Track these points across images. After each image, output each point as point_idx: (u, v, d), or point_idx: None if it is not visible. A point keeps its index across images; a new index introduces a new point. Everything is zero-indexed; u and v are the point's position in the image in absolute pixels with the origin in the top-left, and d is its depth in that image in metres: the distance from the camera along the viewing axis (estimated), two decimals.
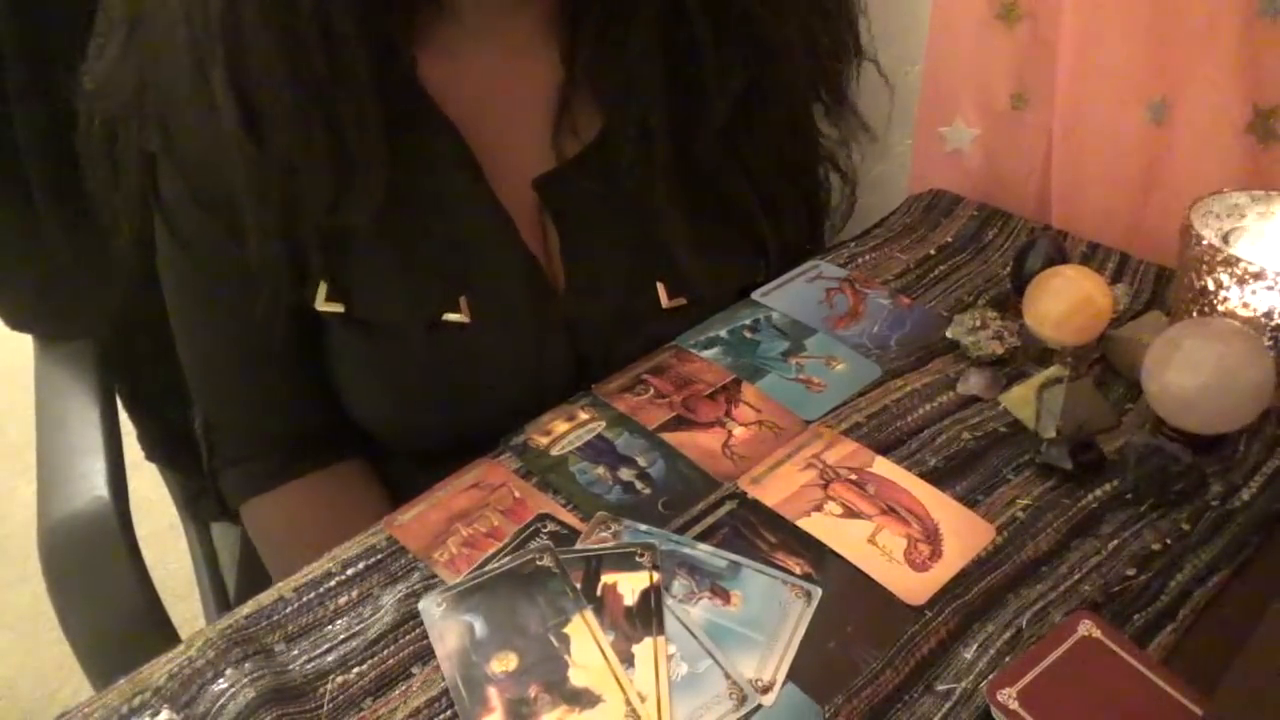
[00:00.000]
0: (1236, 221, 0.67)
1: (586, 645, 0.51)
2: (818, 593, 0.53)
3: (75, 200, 0.73)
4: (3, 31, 0.73)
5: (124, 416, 0.88)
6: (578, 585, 0.54)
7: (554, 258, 0.69)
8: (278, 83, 0.57)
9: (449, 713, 0.49)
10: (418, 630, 0.53)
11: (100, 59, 0.63)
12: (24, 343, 0.88)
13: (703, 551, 0.56)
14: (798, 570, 0.55)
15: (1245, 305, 0.62)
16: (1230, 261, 0.62)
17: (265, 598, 0.55)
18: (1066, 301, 0.67)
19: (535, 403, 0.67)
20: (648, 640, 0.51)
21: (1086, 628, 0.50)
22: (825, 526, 0.57)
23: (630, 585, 0.54)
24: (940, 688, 0.49)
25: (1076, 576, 0.55)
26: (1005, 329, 0.70)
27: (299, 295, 0.65)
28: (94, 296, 0.84)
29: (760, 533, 0.57)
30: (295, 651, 0.52)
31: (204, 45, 0.57)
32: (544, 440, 0.64)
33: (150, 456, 0.94)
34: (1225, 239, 0.67)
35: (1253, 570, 0.55)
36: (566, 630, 0.51)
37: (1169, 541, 0.56)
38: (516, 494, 0.60)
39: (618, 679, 0.49)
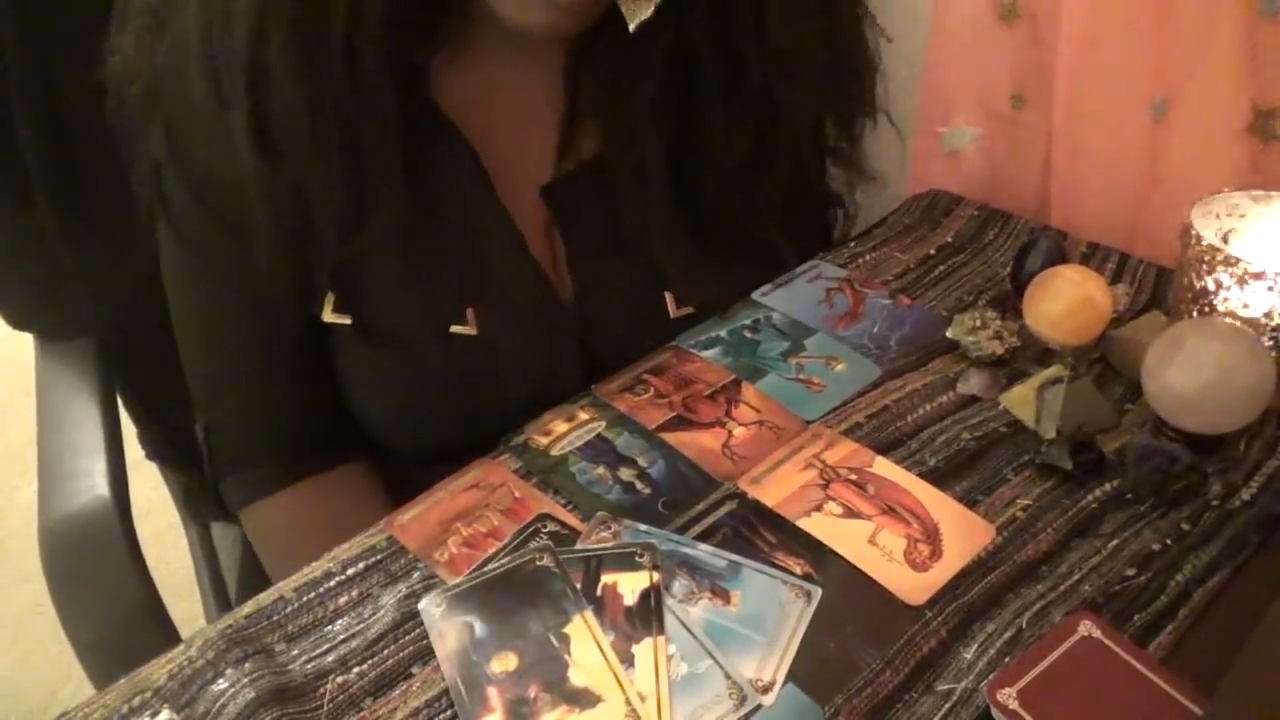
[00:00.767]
0: (1236, 221, 0.67)
1: (586, 645, 0.51)
2: (818, 593, 0.53)
3: (75, 200, 0.73)
4: (3, 31, 0.73)
5: (124, 416, 0.88)
6: (578, 585, 0.54)
7: (562, 268, 0.70)
8: (301, 118, 0.58)
9: (449, 713, 0.49)
10: (418, 630, 0.53)
11: (120, 40, 0.62)
12: (24, 342, 0.88)
13: (703, 551, 0.56)
14: (798, 570, 0.55)
15: (1245, 305, 0.62)
16: (1230, 261, 0.62)
17: (265, 598, 0.55)
18: (1066, 301, 0.67)
19: (544, 411, 0.67)
20: (648, 640, 0.51)
21: (1086, 628, 0.50)
22: (825, 526, 0.57)
23: (630, 585, 0.54)
24: (940, 688, 0.49)
25: (1076, 576, 0.55)
26: (1005, 329, 0.70)
27: (306, 305, 0.66)
28: (94, 296, 0.84)
29: (760, 533, 0.57)
30: (295, 651, 0.52)
31: (226, 79, 0.57)
32: (544, 440, 0.64)
33: (150, 456, 0.94)
34: (1225, 239, 0.67)
35: (1253, 570, 0.55)
36: (566, 630, 0.51)
37: (1169, 541, 0.56)
38: (516, 494, 0.60)
39: (618, 679, 0.49)
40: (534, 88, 0.69)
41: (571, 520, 0.58)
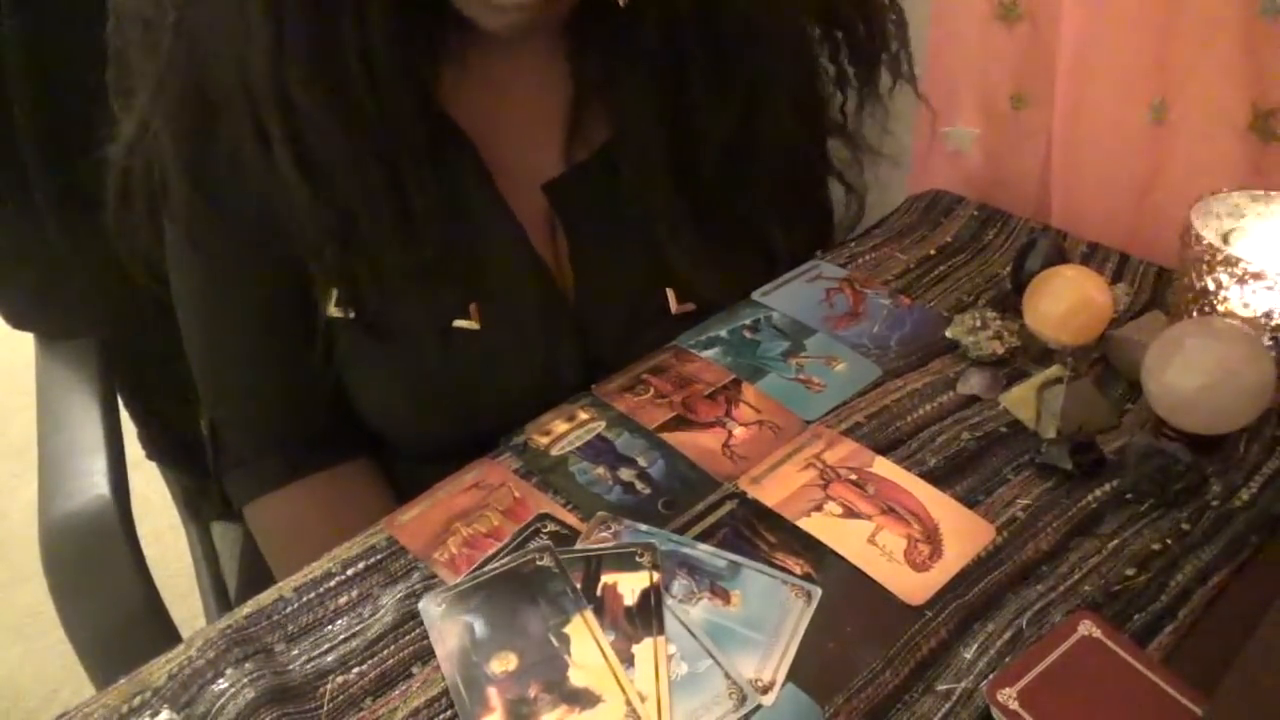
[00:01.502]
0: (1236, 221, 0.67)
1: (586, 645, 0.51)
2: (818, 593, 0.53)
3: (75, 200, 0.73)
4: (4, 32, 0.73)
5: (125, 416, 0.88)
6: (578, 585, 0.54)
7: (564, 264, 0.70)
8: (339, 144, 0.59)
9: (449, 713, 0.49)
10: (418, 630, 0.53)
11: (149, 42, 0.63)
12: (25, 342, 0.88)
13: (703, 551, 0.56)
14: (798, 570, 0.55)
15: (1245, 305, 0.62)
16: (1230, 261, 0.62)
17: (265, 598, 0.55)
18: (1066, 302, 0.67)
19: (545, 407, 0.67)
20: (648, 640, 0.51)
21: (1086, 628, 0.50)
22: (825, 526, 0.57)
23: (630, 585, 0.54)
24: (940, 688, 0.49)
25: (1076, 576, 0.55)
26: (1005, 329, 0.70)
27: (310, 301, 0.66)
28: (94, 296, 0.84)
29: (760, 533, 0.57)
30: (295, 651, 0.52)
31: (260, 108, 0.59)
32: (544, 440, 0.64)
33: (151, 456, 0.94)
34: (1225, 239, 0.67)
35: (1253, 570, 0.55)
36: (566, 630, 0.51)
37: (1169, 541, 0.56)
38: (516, 494, 0.60)
39: (618, 679, 0.49)
40: (535, 86, 0.69)
41: (571, 520, 0.58)
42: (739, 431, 0.64)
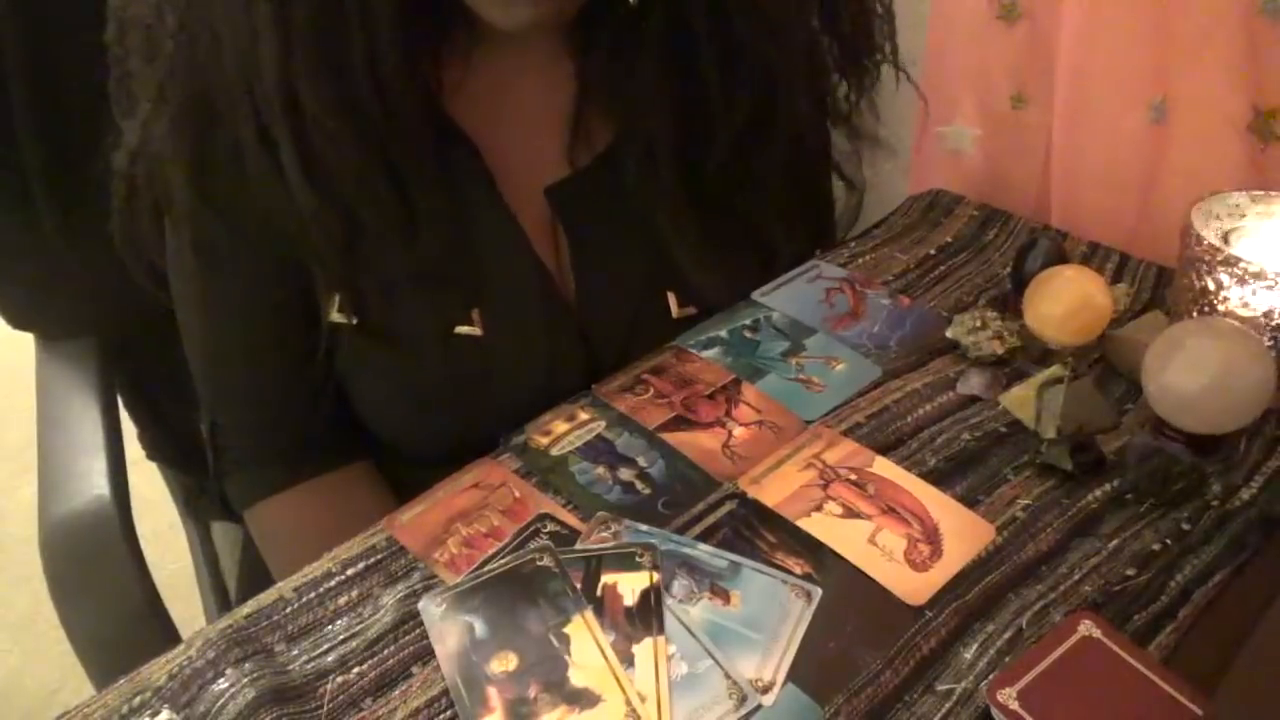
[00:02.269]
0: (1236, 221, 0.67)
1: (586, 645, 0.51)
2: (818, 593, 0.53)
3: (75, 199, 0.73)
4: (3, 31, 0.73)
5: (125, 416, 0.88)
6: (578, 585, 0.54)
7: (565, 268, 0.70)
8: (346, 148, 0.59)
9: (449, 713, 0.49)
10: (418, 630, 0.53)
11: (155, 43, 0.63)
12: (24, 342, 0.88)
13: (703, 551, 0.56)
14: (798, 570, 0.55)
15: (1245, 305, 0.62)
16: (1230, 261, 0.62)
17: (265, 598, 0.55)
18: (1066, 302, 0.67)
19: (547, 411, 0.67)
20: (648, 640, 0.51)
21: (1086, 628, 0.50)
22: (825, 526, 0.57)
23: (630, 585, 0.54)
24: (940, 688, 0.49)
25: (1076, 576, 0.55)
26: (1005, 329, 0.70)
27: (312, 306, 0.66)
28: (94, 296, 0.84)
29: (760, 533, 0.57)
30: (295, 651, 0.52)
31: (266, 111, 0.59)
32: (544, 440, 0.64)
33: (151, 456, 0.94)
34: (1225, 239, 0.67)
35: (1253, 570, 0.55)
36: (566, 630, 0.51)
37: (1169, 541, 0.56)
38: (516, 494, 0.60)
39: (618, 679, 0.49)
40: (539, 90, 0.69)
41: (571, 520, 0.58)
42: (739, 431, 0.64)
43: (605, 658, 0.50)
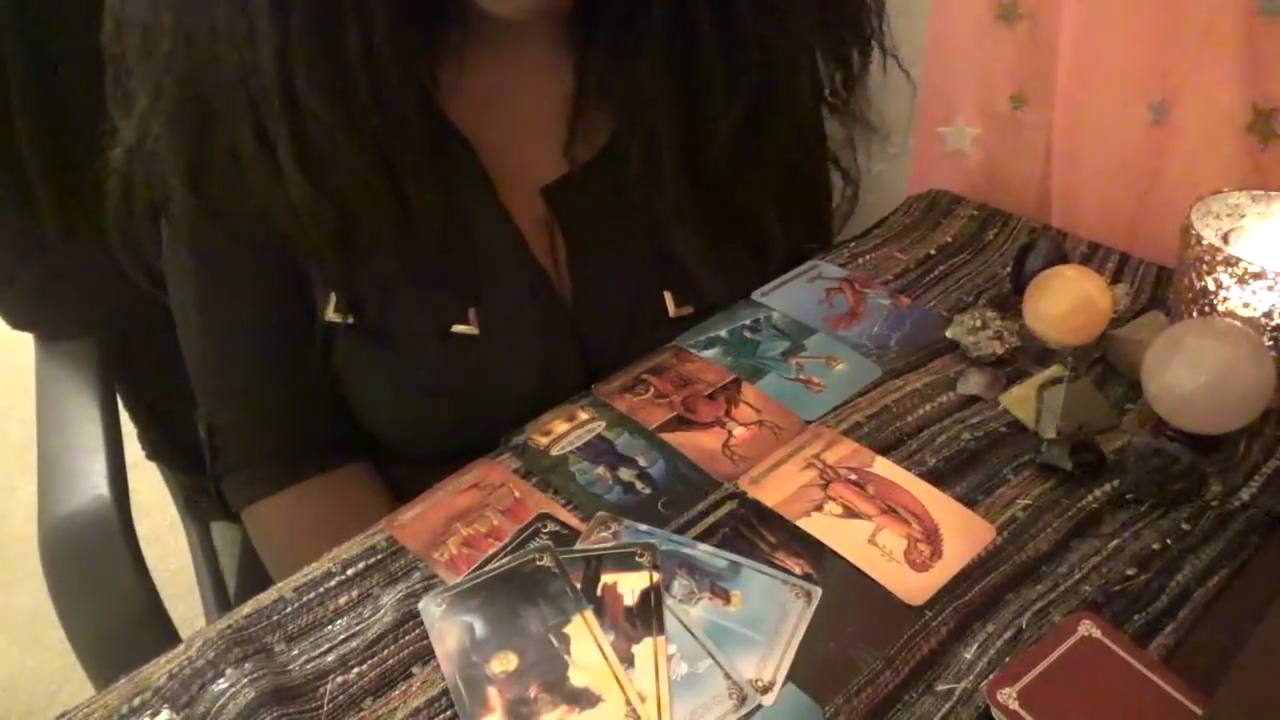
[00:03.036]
0: (1236, 221, 0.67)
1: (586, 645, 0.51)
2: (818, 593, 0.53)
3: (75, 199, 0.73)
4: (4, 30, 0.73)
5: (124, 416, 0.88)
6: (578, 585, 0.54)
7: (562, 268, 0.70)
8: (342, 142, 0.59)
9: (449, 713, 0.49)
10: (418, 630, 0.53)
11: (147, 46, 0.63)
12: (24, 342, 0.88)
13: (703, 551, 0.56)
14: (798, 570, 0.55)
15: (1245, 305, 0.62)
16: (1230, 261, 0.62)
17: (265, 598, 0.55)
18: (1066, 301, 0.67)
19: (544, 411, 0.67)
20: (648, 640, 0.51)
21: (1086, 628, 0.50)
22: (825, 526, 0.57)
23: (630, 585, 0.54)
24: (940, 688, 0.49)
25: (1076, 576, 0.55)
26: (1005, 329, 0.70)
27: (309, 305, 0.66)
28: (94, 296, 0.84)
29: (760, 533, 0.57)
30: (295, 651, 0.52)
31: (266, 115, 0.59)
32: (544, 440, 0.64)
33: (150, 456, 0.94)
34: (1225, 239, 0.67)
35: (1253, 570, 0.55)
36: (566, 630, 0.51)
37: (1169, 541, 0.56)
38: (516, 494, 0.60)
39: (618, 679, 0.49)
40: (536, 89, 0.69)
41: (571, 520, 0.58)
42: (739, 431, 0.64)
43: (605, 658, 0.50)
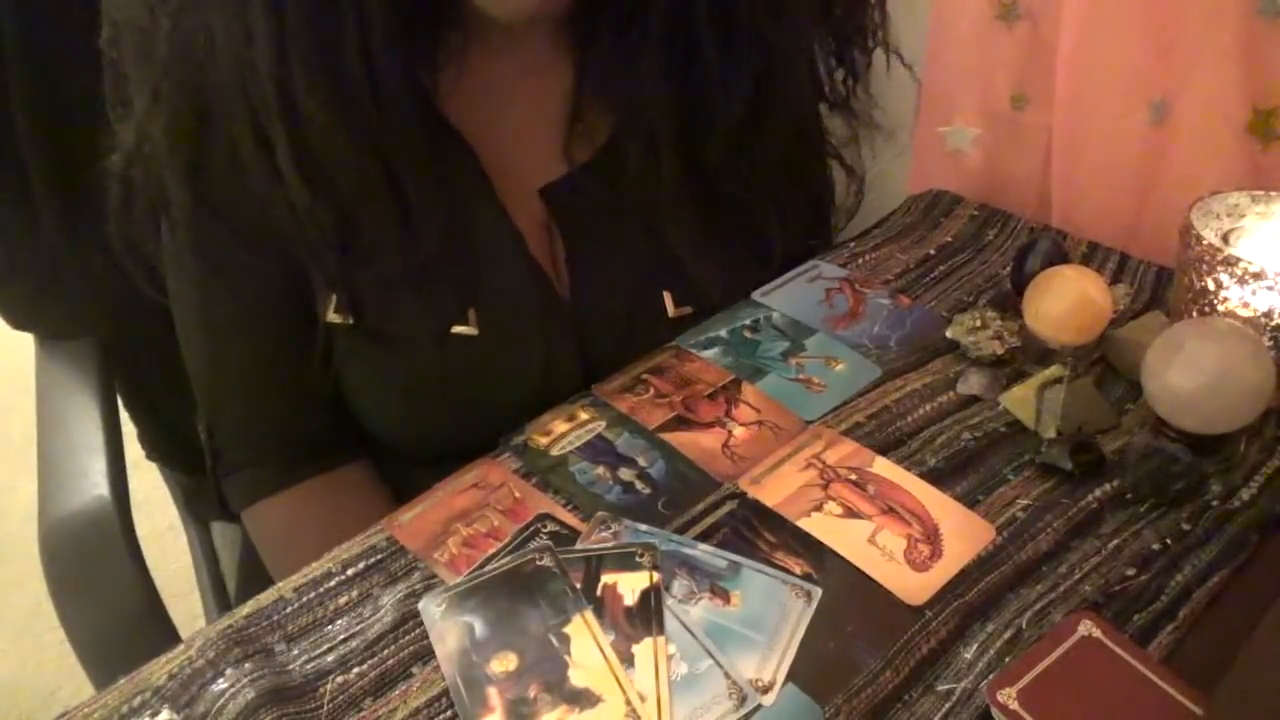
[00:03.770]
0: (1236, 221, 0.67)
1: (586, 645, 0.51)
2: (818, 593, 0.53)
3: (75, 200, 0.73)
4: (4, 30, 0.73)
5: (125, 416, 0.88)
6: (578, 585, 0.54)
7: (561, 268, 0.70)
8: (342, 146, 0.59)
9: (449, 713, 0.49)
10: (418, 630, 0.53)
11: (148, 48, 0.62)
12: (24, 342, 0.88)
13: (703, 551, 0.56)
14: (798, 570, 0.55)
15: (1245, 305, 0.62)
16: (1230, 261, 0.62)
17: (265, 598, 0.55)
18: (1066, 301, 0.67)
19: (543, 412, 0.67)
20: (648, 640, 0.51)
21: (1086, 628, 0.50)
22: (825, 526, 0.57)
23: (630, 585, 0.54)
24: (940, 688, 0.49)
25: (1076, 576, 0.55)
26: (1005, 329, 0.70)
27: (308, 306, 0.66)
28: (94, 296, 0.84)
29: (760, 533, 0.57)
30: (295, 651, 0.52)
31: (261, 111, 0.58)
32: (544, 440, 0.64)
33: (150, 456, 0.94)
34: (1225, 239, 0.67)
35: (1253, 570, 0.55)
36: (566, 630, 0.51)
37: (1169, 541, 0.56)
38: (516, 494, 0.60)
39: (618, 679, 0.49)
40: (535, 89, 0.69)
41: (571, 520, 0.58)
42: (739, 431, 0.64)
43: (605, 658, 0.50)
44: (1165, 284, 0.76)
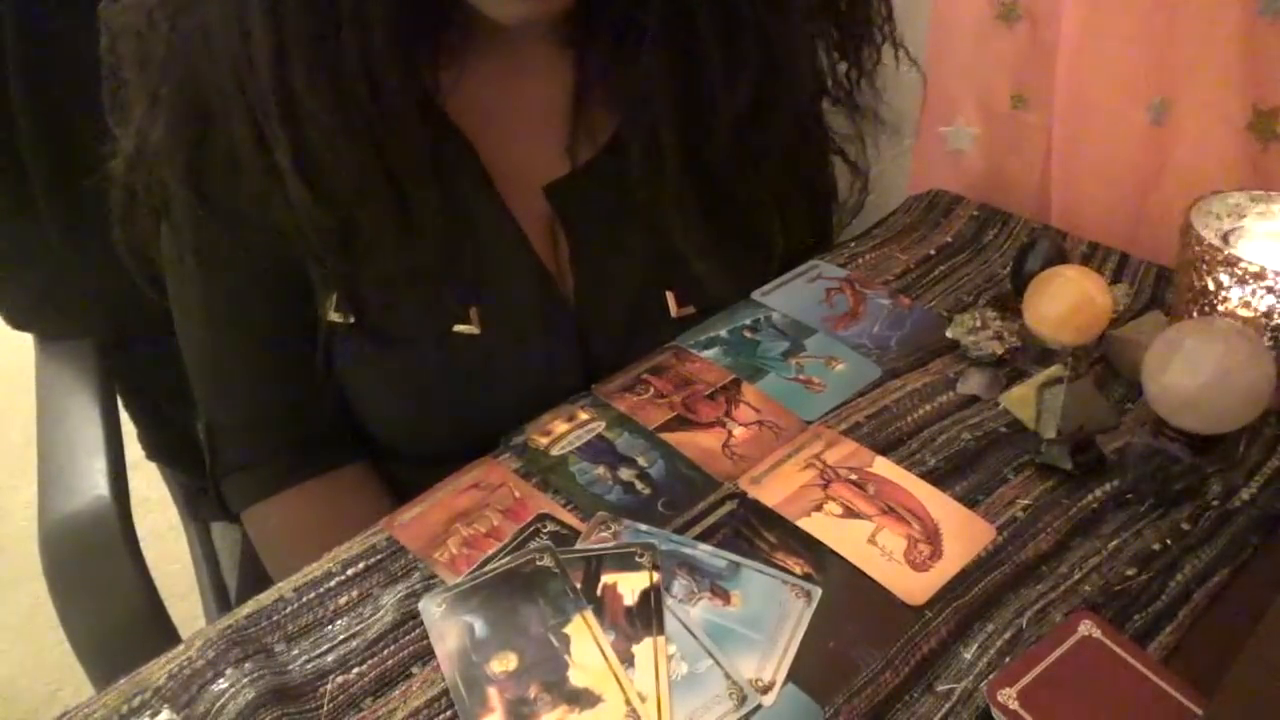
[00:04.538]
0: (1236, 221, 0.67)
1: (586, 645, 0.51)
2: (818, 593, 0.53)
3: (75, 200, 0.73)
4: (3, 32, 0.73)
5: (124, 416, 0.88)
6: (578, 585, 0.54)
7: (565, 267, 0.70)
8: (342, 148, 0.59)
9: (449, 713, 0.49)
10: (418, 630, 0.53)
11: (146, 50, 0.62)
12: (24, 342, 0.88)
13: (703, 551, 0.56)
14: (798, 570, 0.55)
15: (1245, 305, 0.62)
16: (1230, 261, 0.62)
17: (265, 598, 0.55)
18: (1066, 301, 0.67)
19: (544, 411, 0.67)
20: (648, 640, 0.51)
21: (1086, 628, 0.50)
22: (825, 526, 0.57)
23: (630, 585, 0.54)
24: (940, 688, 0.49)
25: (1076, 576, 0.55)
26: (1005, 329, 0.70)
27: (308, 305, 0.66)
28: (94, 296, 0.84)
29: (760, 533, 0.57)
30: (295, 651, 0.52)
31: (263, 121, 0.58)
32: (544, 440, 0.64)
33: (150, 456, 0.94)
34: (1225, 239, 0.67)
35: (1253, 570, 0.55)
36: (566, 630, 0.51)
37: (1169, 541, 0.56)
38: (516, 494, 0.60)
39: (618, 679, 0.49)
40: (537, 87, 0.69)
41: (571, 520, 0.58)
42: (739, 431, 0.64)
43: (605, 658, 0.50)
44: (1165, 284, 0.76)
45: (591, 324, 0.70)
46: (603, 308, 0.70)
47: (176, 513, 0.99)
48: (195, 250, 0.66)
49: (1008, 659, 0.50)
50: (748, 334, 0.72)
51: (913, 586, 0.54)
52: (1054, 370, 0.66)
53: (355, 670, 0.51)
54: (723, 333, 0.72)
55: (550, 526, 0.58)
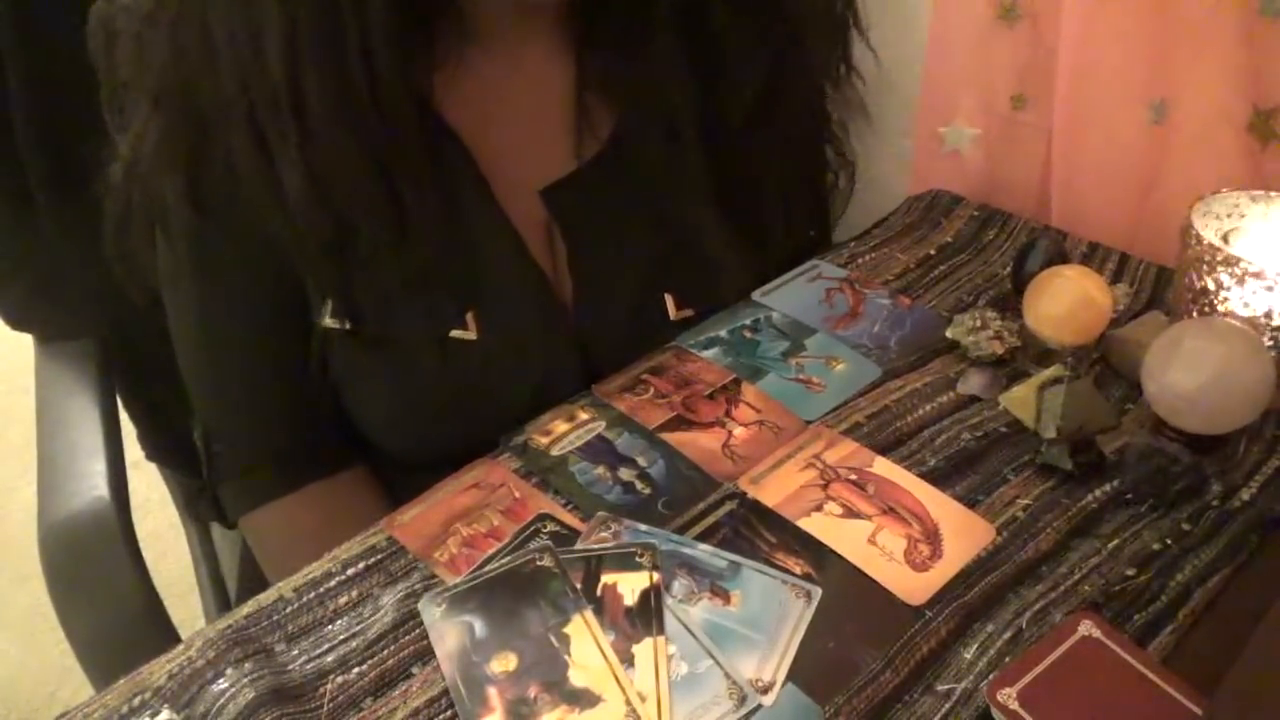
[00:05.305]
0: (1236, 221, 0.67)
1: (586, 645, 0.51)
2: (818, 593, 0.53)
3: (75, 200, 0.73)
4: (3, 32, 0.73)
5: (124, 416, 0.88)
6: (578, 585, 0.54)
7: (563, 271, 0.70)
8: (336, 137, 0.59)
9: (449, 713, 0.49)
10: (418, 630, 0.53)
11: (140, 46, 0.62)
12: (24, 342, 0.88)
13: (703, 551, 0.56)
14: (798, 570, 0.55)
15: (1245, 305, 0.62)
16: (1230, 261, 0.62)
17: (265, 598, 0.55)
18: (1066, 301, 0.67)
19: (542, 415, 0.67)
20: (648, 640, 0.51)
21: (1086, 628, 0.50)
22: (825, 526, 0.57)
23: (630, 585, 0.54)
24: (940, 688, 0.49)
25: (1076, 576, 0.55)
26: (1005, 329, 0.70)
27: (304, 311, 0.66)
28: (94, 296, 0.84)
29: (760, 533, 0.57)
30: (295, 651, 0.52)
31: (266, 114, 0.58)
32: (544, 440, 0.64)
33: (150, 457, 0.94)
34: (1225, 239, 0.67)
35: (1253, 570, 0.55)
36: (566, 630, 0.51)
37: (1169, 541, 0.56)
38: (516, 494, 0.60)
39: (618, 679, 0.49)
40: (533, 90, 0.69)
41: (571, 520, 0.58)
42: (739, 431, 0.64)
43: (605, 658, 0.50)
44: (1165, 284, 0.76)
45: (590, 328, 0.70)
46: (601, 311, 0.70)
47: (176, 513, 0.99)
48: (190, 257, 0.66)
49: (1008, 659, 0.50)
50: (748, 334, 0.72)
51: (913, 586, 0.54)
52: (1054, 370, 0.66)
53: (355, 670, 0.51)
54: (723, 333, 0.72)
55: (550, 526, 0.58)
